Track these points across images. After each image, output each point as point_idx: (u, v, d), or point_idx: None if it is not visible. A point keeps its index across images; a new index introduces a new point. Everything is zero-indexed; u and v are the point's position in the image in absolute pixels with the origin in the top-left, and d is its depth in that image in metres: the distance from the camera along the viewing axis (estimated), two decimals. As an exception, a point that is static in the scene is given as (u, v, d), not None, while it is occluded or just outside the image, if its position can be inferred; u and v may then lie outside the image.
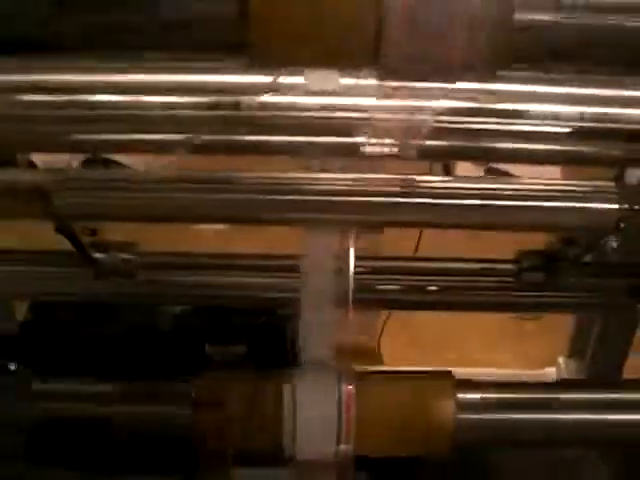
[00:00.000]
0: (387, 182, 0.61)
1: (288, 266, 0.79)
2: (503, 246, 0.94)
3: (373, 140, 0.61)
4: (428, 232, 1.41)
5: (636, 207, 0.61)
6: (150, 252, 0.83)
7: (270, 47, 0.47)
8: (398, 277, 0.93)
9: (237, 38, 0.54)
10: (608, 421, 0.71)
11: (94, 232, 0.76)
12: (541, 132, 0.64)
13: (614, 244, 1.12)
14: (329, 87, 0.59)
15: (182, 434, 0.65)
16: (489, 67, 0.54)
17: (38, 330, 1.02)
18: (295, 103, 0.60)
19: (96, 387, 0.70)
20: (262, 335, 1.03)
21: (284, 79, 0.59)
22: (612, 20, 0.48)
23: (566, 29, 0.49)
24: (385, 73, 0.52)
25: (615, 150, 0.66)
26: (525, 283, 0.89)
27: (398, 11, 0.45)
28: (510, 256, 0.92)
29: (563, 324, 1.67)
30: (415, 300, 0.94)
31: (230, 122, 0.61)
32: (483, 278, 0.92)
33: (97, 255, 0.77)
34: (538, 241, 0.88)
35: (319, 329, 0.66)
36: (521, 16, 0.47)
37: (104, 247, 0.79)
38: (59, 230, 0.72)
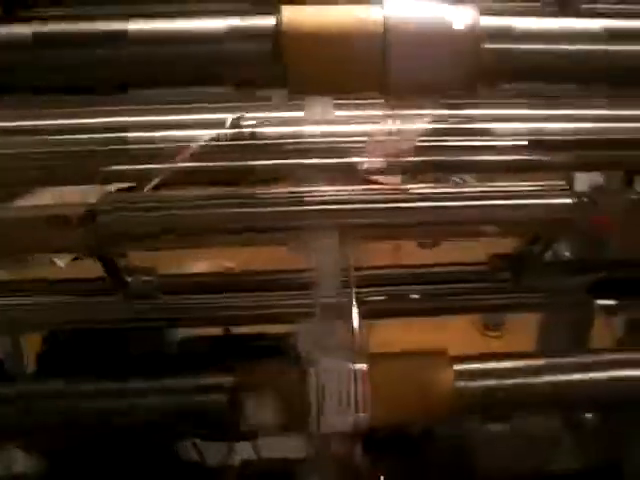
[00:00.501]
0: (384, 191, 0.73)
1: (295, 280, 0.89)
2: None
3: (368, 159, 0.74)
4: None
5: (586, 200, 0.73)
6: (169, 274, 0.93)
7: (294, 81, 0.60)
8: (380, 287, 1.02)
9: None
10: (601, 381, 0.78)
11: (123, 255, 0.85)
12: (503, 146, 0.78)
13: (567, 253, 1.26)
14: (329, 117, 0.72)
15: (218, 420, 0.75)
16: (463, 94, 0.67)
17: (56, 360, 1.08)
18: (302, 132, 0.72)
19: (131, 381, 0.78)
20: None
21: (294, 112, 0.72)
22: (561, 47, 0.62)
23: (523, 58, 0.63)
24: (381, 104, 0.65)
25: (565, 158, 0.79)
26: (495, 285, 1.00)
27: (397, 55, 0.59)
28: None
29: (526, 339, 1.79)
30: (397, 308, 1.04)
31: (247, 150, 0.73)
32: (458, 284, 1.02)
33: (128, 279, 0.86)
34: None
35: (331, 338, 0.76)
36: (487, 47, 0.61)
37: (129, 270, 0.88)
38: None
